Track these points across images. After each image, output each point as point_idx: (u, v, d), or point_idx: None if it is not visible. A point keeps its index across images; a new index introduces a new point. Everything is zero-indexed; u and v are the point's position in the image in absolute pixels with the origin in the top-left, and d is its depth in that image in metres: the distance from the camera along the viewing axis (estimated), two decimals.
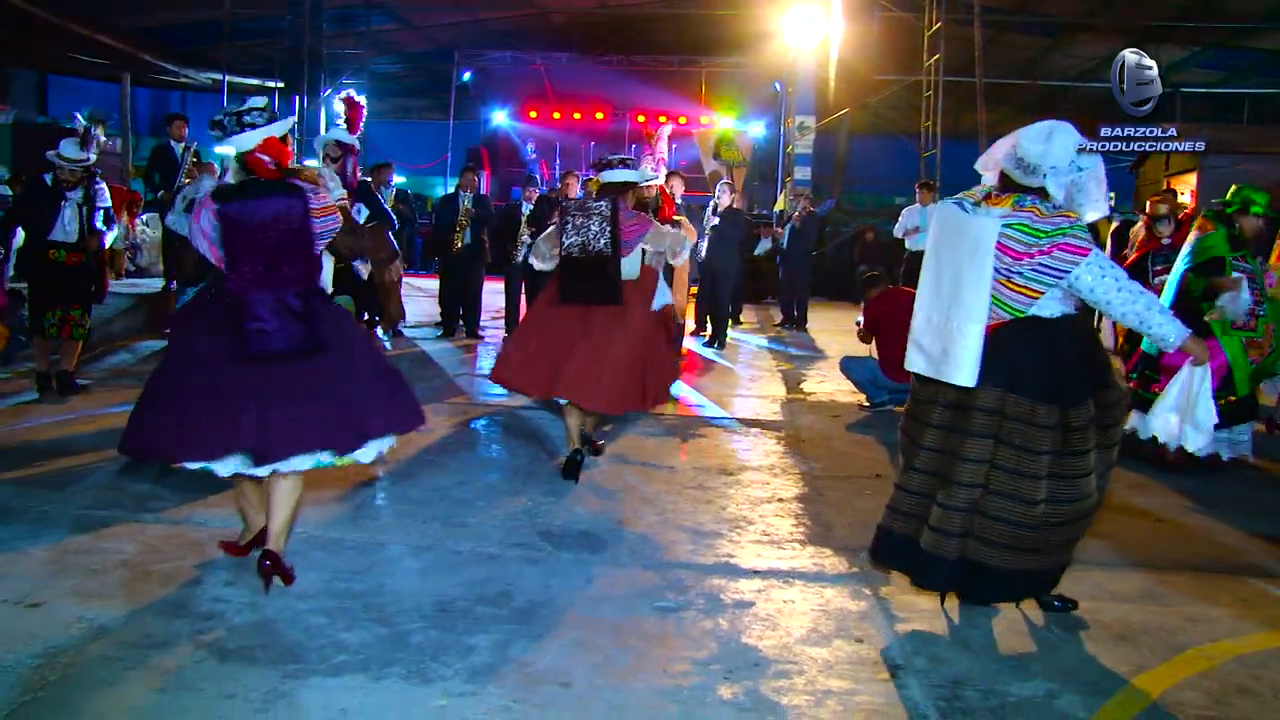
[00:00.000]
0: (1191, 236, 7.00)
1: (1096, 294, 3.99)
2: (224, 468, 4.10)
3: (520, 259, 11.58)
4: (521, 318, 11.64)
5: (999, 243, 4.03)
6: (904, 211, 14.46)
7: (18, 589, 4.16)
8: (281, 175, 4.20)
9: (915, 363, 4.26)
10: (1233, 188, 7.10)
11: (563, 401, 6.20)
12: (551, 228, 6.43)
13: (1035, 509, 4.00)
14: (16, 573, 4.29)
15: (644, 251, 6.41)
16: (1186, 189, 16.22)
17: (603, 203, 6.14)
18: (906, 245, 14.22)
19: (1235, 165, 15.42)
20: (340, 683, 3.50)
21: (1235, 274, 6.71)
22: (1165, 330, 4.03)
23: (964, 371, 4.04)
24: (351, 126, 7.97)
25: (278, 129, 4.23)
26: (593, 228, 6.10)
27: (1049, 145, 4.09)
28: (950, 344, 4.06)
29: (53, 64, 20.48)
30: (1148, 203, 9.23)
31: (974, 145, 11.28)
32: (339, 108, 8.24)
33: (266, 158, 4.17)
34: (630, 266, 6.28)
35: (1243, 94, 23.90)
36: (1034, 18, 21.54)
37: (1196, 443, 4.45)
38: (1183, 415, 4.39)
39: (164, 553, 4.67)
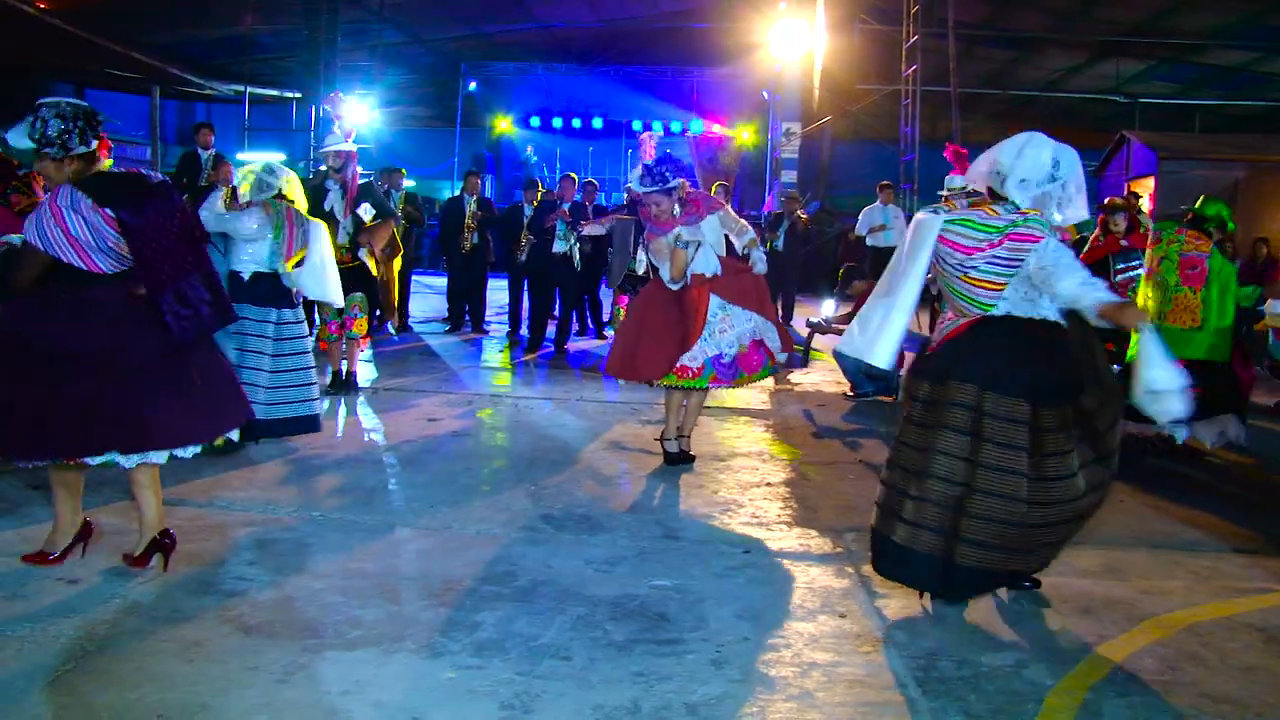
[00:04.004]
0: (1175, 245, 6.96)
1: (1046, 274, 3.86)
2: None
3: (522, 259, 11.56)
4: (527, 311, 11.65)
5: (948, 240, 4.03)
6: (865, 211, 14.39)
7: (59, 567, 4.17)
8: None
9: (844, 344, 4.36)
10: (1200, 199, 7.16)
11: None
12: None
13: (1020, 506, 3.88)
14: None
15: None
16: (1145, 193, 16.28)
17: None
18: (869, 243, 14.17)
19: (1189, 171, 15.52)
20: (355, 656, 3.50)
21: None
22: (1099, 296, 3.85)
23: (881, 355, 4.15)
24: (345, 131, 7.96)
25: None
26: None
27: (1019, 159, 4.05)
28: (878, 330, 4.15)
29: (89, 79, 20.45)
30: (1107, 199, 9.26)
31: None
32: (328, 109, 8.25)
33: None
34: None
35: (1195, 105, 23.96)
36: (1003, 32, 21.56)
37: (1157, 408, 3.85)
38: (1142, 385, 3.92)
39: (190, 534, 4.66)
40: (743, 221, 6.44)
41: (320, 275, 6.48)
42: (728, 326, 6.19)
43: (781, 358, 6.44)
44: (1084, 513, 4.05)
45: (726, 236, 6.37)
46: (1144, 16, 19.45)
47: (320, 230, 6.50)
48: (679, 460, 6.37)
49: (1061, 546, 4.16)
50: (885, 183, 14.86)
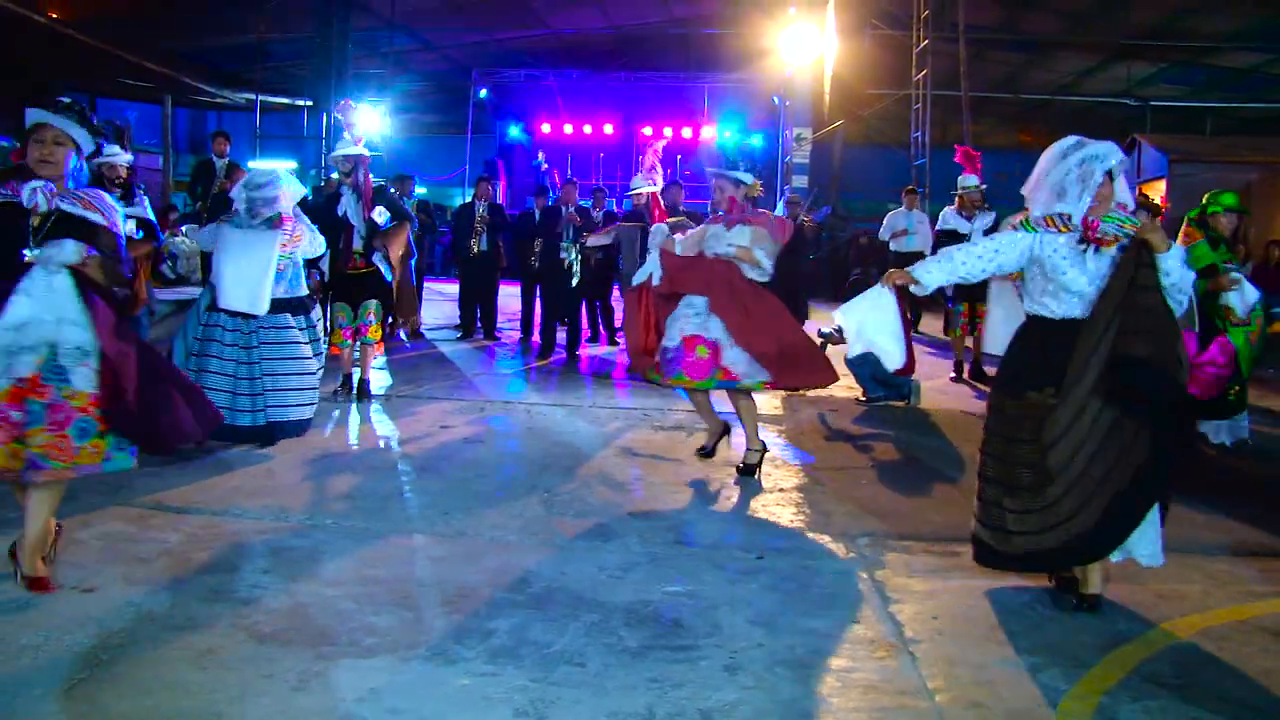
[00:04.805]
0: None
1: None
2: None
3: (535, 264, 11.57)
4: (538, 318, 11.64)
5: None
6: (889, 215, 14.30)
7: (74, 575, 4.18)
8: None
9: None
10: (1206, 195, 7.12)
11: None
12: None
13: (992, 489, 4.22)
14: (73, 560, 4.28)
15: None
16: (1156, 195, 16.24)
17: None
18: (892, 248, 14.10)
19: (1201, 174, 15.47)
20: (370, 664, 3.51)
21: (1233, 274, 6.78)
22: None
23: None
24: (355, 137, 7.98)
25: None
26: None
27: (1040, 164, 4.27)
28: None
29: (102, 88, 20.57)
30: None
31: None
32: (339, 117, 8.28)
33: None
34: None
35: (1207, 108, 23.89)
36: (1014, 36, 21.56)
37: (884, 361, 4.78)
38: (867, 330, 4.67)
39: (204, 542, 4.68)
40: (766, 243, 6.13)
41: (224, 281, 6.33)
42: (684, 316, 6.12)
43: (750, 381, 6.04)
44: (1063, 509, 4.03)
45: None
46: (1156, 19, 19.44)
47: (236, 237, 6.37)
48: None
49: (1042, 537, 4.08)
50: (910, 187, 14.80)
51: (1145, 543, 4.09)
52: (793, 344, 6.11)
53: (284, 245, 6.50)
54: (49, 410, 3.88)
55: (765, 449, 6.41)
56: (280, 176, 6.66)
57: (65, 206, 4.00)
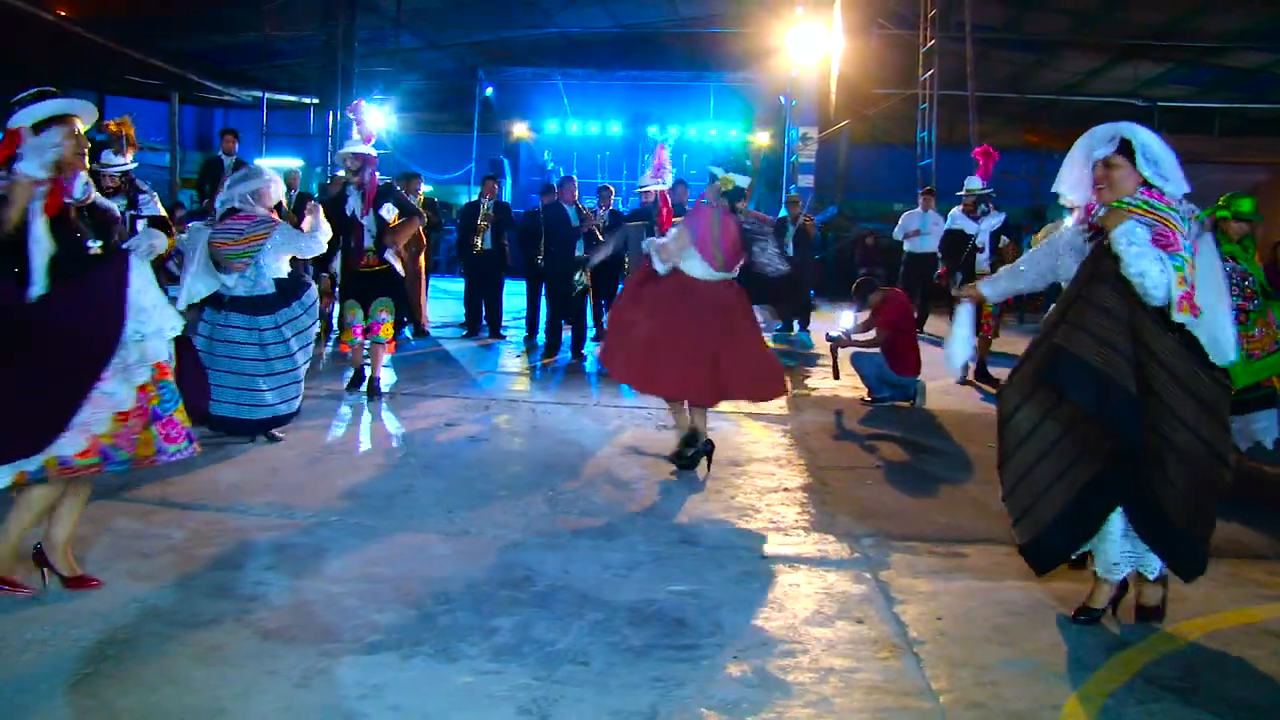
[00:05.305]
0: None
1: None
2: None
3: (541, 262, 11.58)
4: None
5: None
6: (904, 215, 14.24)
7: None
8: None
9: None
10: (1222, 198, 7.06)
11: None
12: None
13: None
14: (78, 556, 4.24)
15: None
16: None
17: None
18: (906, 248, 14.04)
19: (1209, 175, 15.40)
20: (373, 660, 3.51)
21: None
22: None
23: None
24: (364, 135, 8.02)
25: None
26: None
27: None
28: None
29: (109, 85, 20.59)
30: None
31: (966, 154, 11.38)
32: (350, 116, 8.31)
33: None
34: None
35: (1214, 108, 23.82)
36: (1021, 36, 21.52)
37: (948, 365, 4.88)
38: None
39: (208, 538, 4.69)
40: (679, 242, 6.08)
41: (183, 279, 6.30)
42: None
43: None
44: (1022, 497, 4.07)
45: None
46: (1163, 19, 19.38)
47: (195, 235, 6.33)
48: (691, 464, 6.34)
49: (1032, 522, 4.05)
50: (928, 188, 14.76)
51: (1112, 552, 4.01)
52: (691, 354, 6.03)
53: (232, 243, 6.26)
54: (175, 391, 4.06)
55: (697, 439, 6.28)
56: (260, 173, 6.61)
57: (96, 198, 4.09)
